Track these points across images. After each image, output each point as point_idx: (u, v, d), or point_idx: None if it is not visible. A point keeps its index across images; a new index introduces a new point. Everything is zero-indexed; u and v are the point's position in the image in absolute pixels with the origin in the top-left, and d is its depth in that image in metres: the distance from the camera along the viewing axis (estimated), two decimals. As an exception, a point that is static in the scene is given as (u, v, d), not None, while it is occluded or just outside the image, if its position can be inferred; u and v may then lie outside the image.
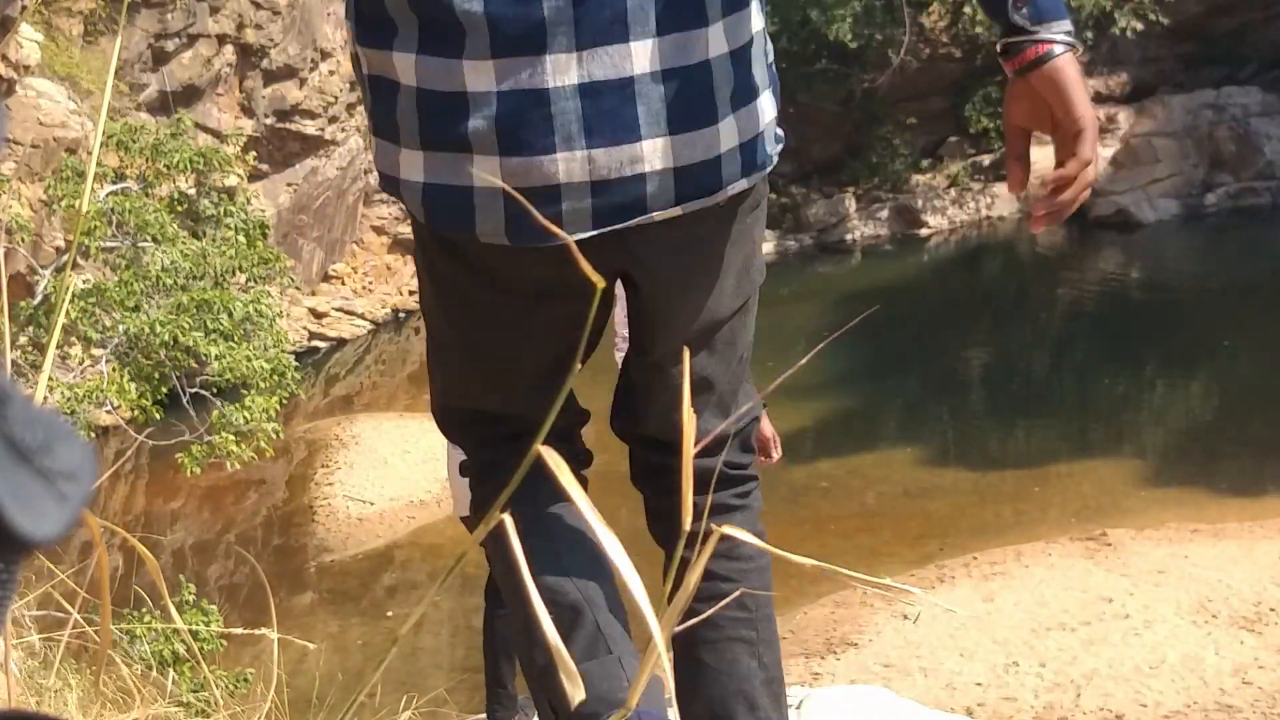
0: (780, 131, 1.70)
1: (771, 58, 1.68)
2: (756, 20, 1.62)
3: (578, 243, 1.40)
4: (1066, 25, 1.61)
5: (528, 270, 1.61)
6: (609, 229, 1.55)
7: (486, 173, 1.52)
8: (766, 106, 1.63)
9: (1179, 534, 8.72)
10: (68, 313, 6.86)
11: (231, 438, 7.36)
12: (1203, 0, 19.58)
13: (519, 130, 1.50)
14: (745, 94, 1.59)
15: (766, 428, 4.36)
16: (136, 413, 7.30)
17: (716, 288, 1.66)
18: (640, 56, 1.49)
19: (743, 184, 1.61)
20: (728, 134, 1.57)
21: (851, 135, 19.81)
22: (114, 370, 7.33)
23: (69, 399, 6.85)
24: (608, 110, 1.50)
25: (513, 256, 1.59)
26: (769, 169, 1.65)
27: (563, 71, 1.48)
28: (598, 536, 0.82)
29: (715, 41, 1.54)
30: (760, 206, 1.73)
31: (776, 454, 4.42)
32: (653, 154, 1.52)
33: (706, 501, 1.63)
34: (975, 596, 7.96)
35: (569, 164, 1.51)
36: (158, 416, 7.56)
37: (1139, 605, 7.60)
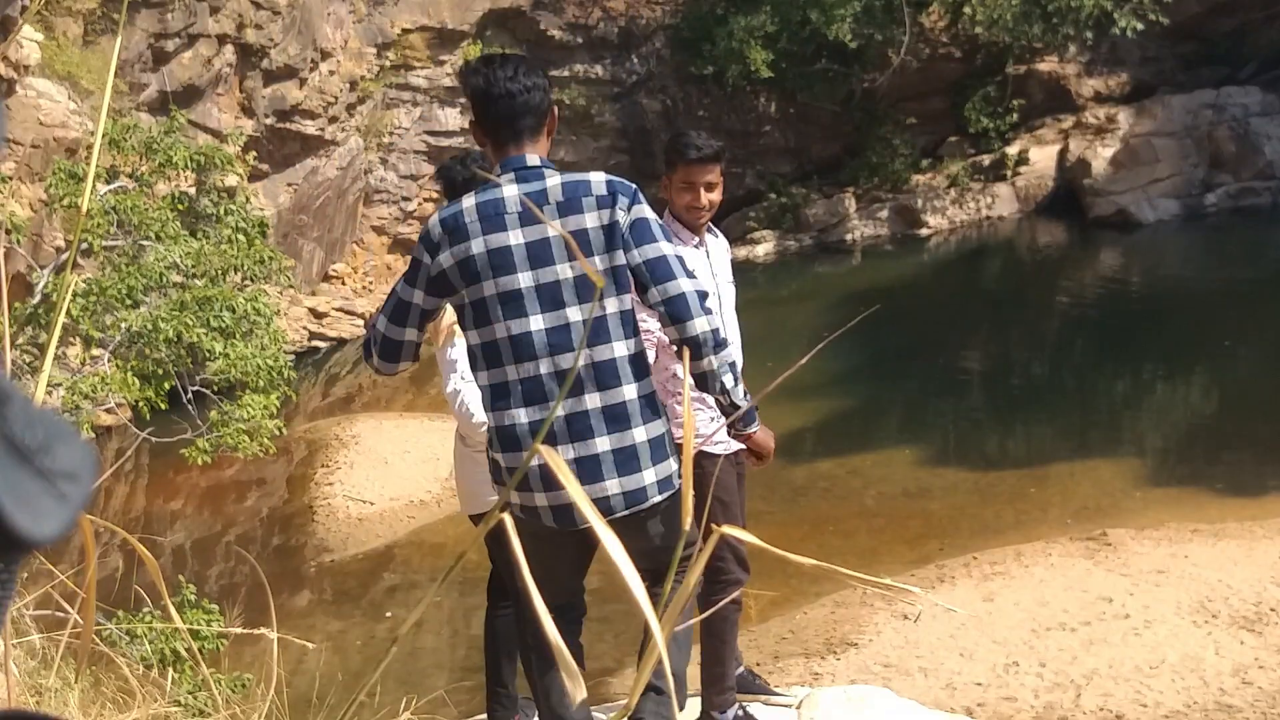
0: (673, 480, 3.24)
1: (672, 442, 3.22)
2: (659, 427, 3.19)
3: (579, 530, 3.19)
4: (754, 423, 3.48)
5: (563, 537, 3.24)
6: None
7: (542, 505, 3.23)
8: (670, 464, 3.19)
9: (1179, 534, 8.71)
10: (68, 311, 6.85)
11: (242, 426, 7.38)
12: (1203, 0, 19.58)
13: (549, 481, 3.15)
14: (660, 456, 3.19)
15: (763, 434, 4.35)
16: (142, 404, 7.30)
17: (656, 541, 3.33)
18: (600, 443, 3.13)
19: (659, 498, 3.18)
20: (649, 476, 3.16)
21: (851, 135, 19.81)
22: (116, 367, 7.33)
23: (71, 394, 6.85)
24: (588, 468, 3.10)
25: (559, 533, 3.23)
26: (671, 492, 3.20)
27: (564, 453, 3.11)
28: (601, 537, 0.82)
29: (638, 433, 3.14)
30: (672, 508, 3.23)
31: (768, 459, 4.39)
32: (611, 487, 3.14)
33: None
34: (975, 596, 7.96)
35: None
36: (164, 406, 7.56)
37: (1139, 605, 7.59)
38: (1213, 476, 10.21)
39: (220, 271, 8.09)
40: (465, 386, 3.93)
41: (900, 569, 8.62)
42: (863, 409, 12.86)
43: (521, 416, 3.13)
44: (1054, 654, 7.14)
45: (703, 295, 3.12)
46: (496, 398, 3.16)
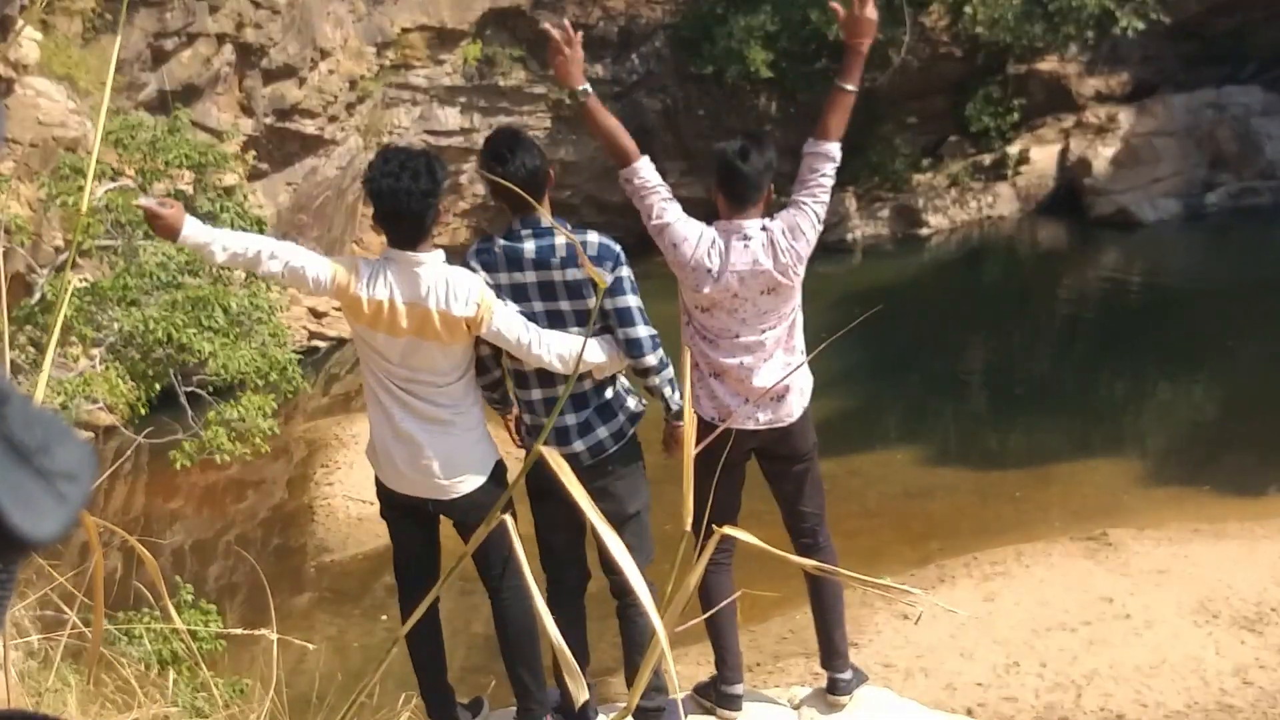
0: (623, 431, 4.28)
1: (624, 406, 4.29)
2: (609, 392, 4.27)
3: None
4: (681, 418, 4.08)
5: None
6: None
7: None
8: (605, 433, 4.23)
9: (1180, 534, 8.71)
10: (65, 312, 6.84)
11: (223, 432, 7.34)
12: (1204, 0, 19.57)
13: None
14: (586, 430, 4.23)
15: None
16: (123, 408, 7.28)
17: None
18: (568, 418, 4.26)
19: (590, 450, 4.22)
20: (591, 440, 4.22)
21: (852, 135, 19.67)
22: (106, 367, 7.31)
23: (59, 394, 6.83)
24: (561, 433, 4.17)
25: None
26: (613, 449, 4.23)
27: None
28: (602, 536, 0.82)
29: (591, 414, 4.24)
30: (626, 468, 4.28)
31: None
32: (576, 444, 4.20)
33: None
34: (976, 596, 7.96)
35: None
36: (143, 413, 7.53)
37: (1140, 605, 7.59)
38: (1214, 476, 10.21)
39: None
40: (536, 335, 4.12)
41: (901, 569, 8.62)
42: (863, 409, 12.85)
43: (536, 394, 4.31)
44: (1055, 654, 7.14)
45: (653, 338, 4.18)
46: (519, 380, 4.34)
